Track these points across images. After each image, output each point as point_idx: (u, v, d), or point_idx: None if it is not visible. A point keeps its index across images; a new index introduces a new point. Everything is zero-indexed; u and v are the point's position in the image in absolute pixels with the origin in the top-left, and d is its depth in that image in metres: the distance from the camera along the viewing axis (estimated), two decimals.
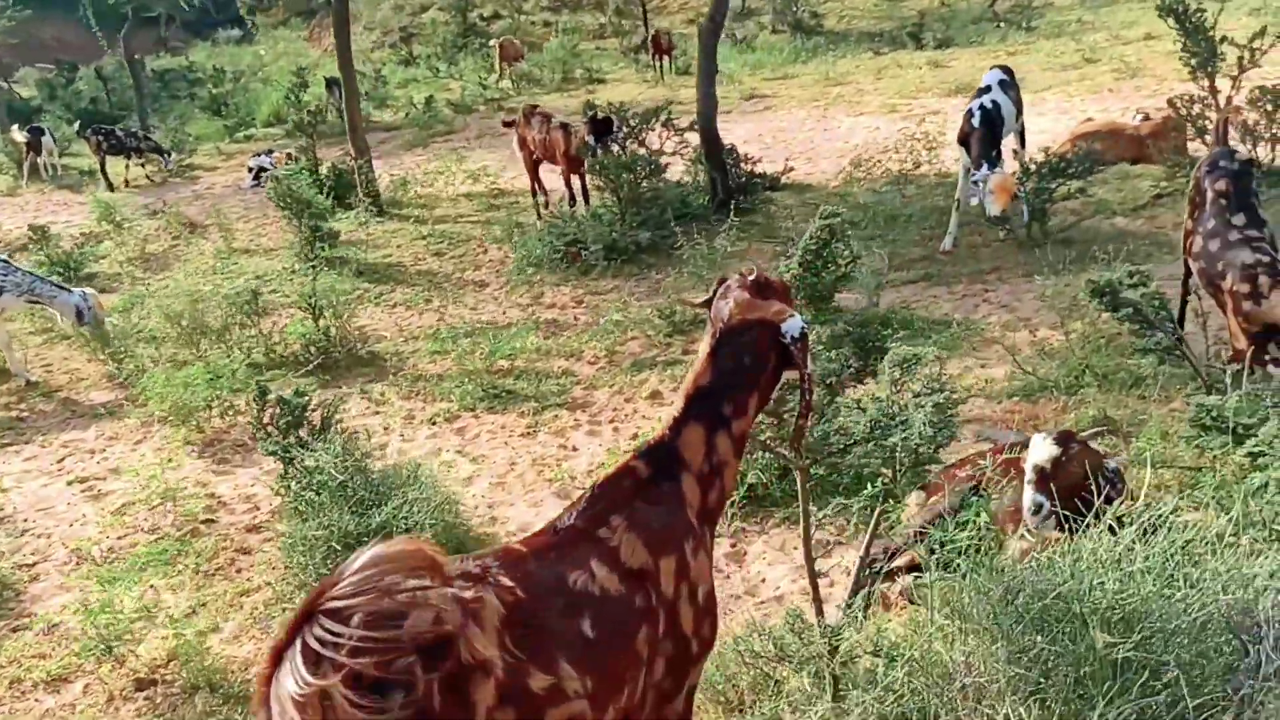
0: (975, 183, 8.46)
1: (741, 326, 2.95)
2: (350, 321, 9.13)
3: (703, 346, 3.02)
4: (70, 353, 9.83)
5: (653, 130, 10.97)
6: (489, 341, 8.45)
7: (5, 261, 9.18)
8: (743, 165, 11.62)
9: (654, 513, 2.70)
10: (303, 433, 5.51)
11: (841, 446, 3.72)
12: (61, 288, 9.36)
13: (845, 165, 12.21)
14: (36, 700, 4.74)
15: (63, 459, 7.56)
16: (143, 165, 19.41)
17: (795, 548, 4.95)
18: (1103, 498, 3.48)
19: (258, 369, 8.42)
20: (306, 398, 5.65)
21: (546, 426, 7.08)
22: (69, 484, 7.10)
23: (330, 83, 21.24)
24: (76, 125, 21.17)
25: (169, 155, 19.60)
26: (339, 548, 4.91)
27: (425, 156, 17.11)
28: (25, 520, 6.63)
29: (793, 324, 2.94)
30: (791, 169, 12.29)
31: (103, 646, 4.77)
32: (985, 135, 8.92)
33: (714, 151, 11.08)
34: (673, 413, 2.92)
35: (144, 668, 4.83)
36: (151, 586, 5.63)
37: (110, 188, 18.52)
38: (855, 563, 3.81)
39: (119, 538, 6.22)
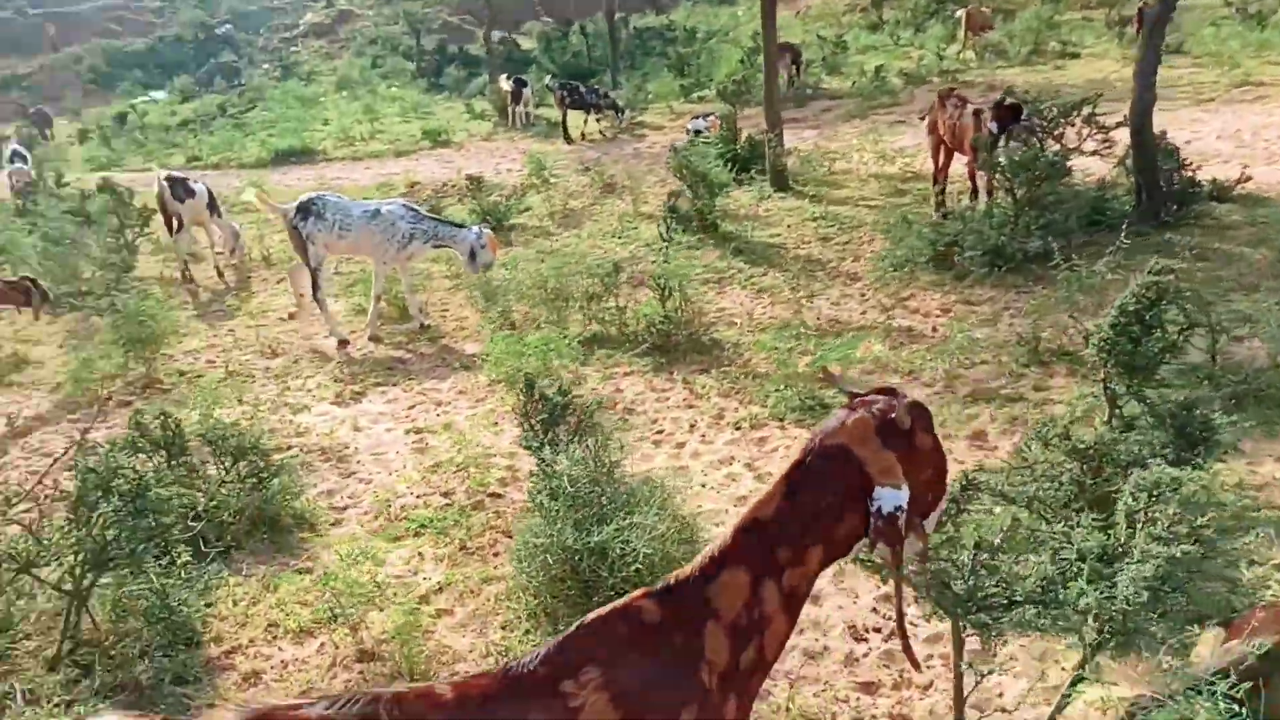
0: None
1: (836, 458, 2.39)
2: (701, 304, 9.01)
3: (783, 467, 2.46)
4: (467, 300, 10.58)
5: (1071, 125, 9.70)
6: (829, 343, 7.95)
7: (415, 210, 10.04)
8: (1183, 170, 9.99)
9: (648, 669, 2.22)
10: (560, 430, 5.45)
11: (1004, 602, 2.92)
12: (460, 226, 10.09)
13: None
14: (279, 649, 5.11)
15: (413, 406, 8.15)
16: (599, 121, 20.59)
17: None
18: None
19: (594, 343, 8.56)
20: (568, 396, 5.56)
21: None
22: (407, 432, 7.63)
23: (783, 48, 21.25)
24: (547, 79, 22.79)
25: (623, 112, 20.65)
26: (551, 561, 4.80)
27: (861, 129, 16.56)
28: (358, 462, 7.21)
29: (887, 496, 2.34)
30: (1248, 178, 10.38)
31: (334, 611, 5.01)
32: None
33: (1143, 153, 9.61)
34: (712, 547, 2.40)
35: (372, 639, 5.03)
36: (419, 554, 5.88)
37: (568, 140, 19.93)
38: None
39: (417, 496, 6.57)
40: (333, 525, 6.34)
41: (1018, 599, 2.97)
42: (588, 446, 5.14)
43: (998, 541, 3.16)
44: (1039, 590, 2.94)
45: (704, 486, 6.23)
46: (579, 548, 4.73)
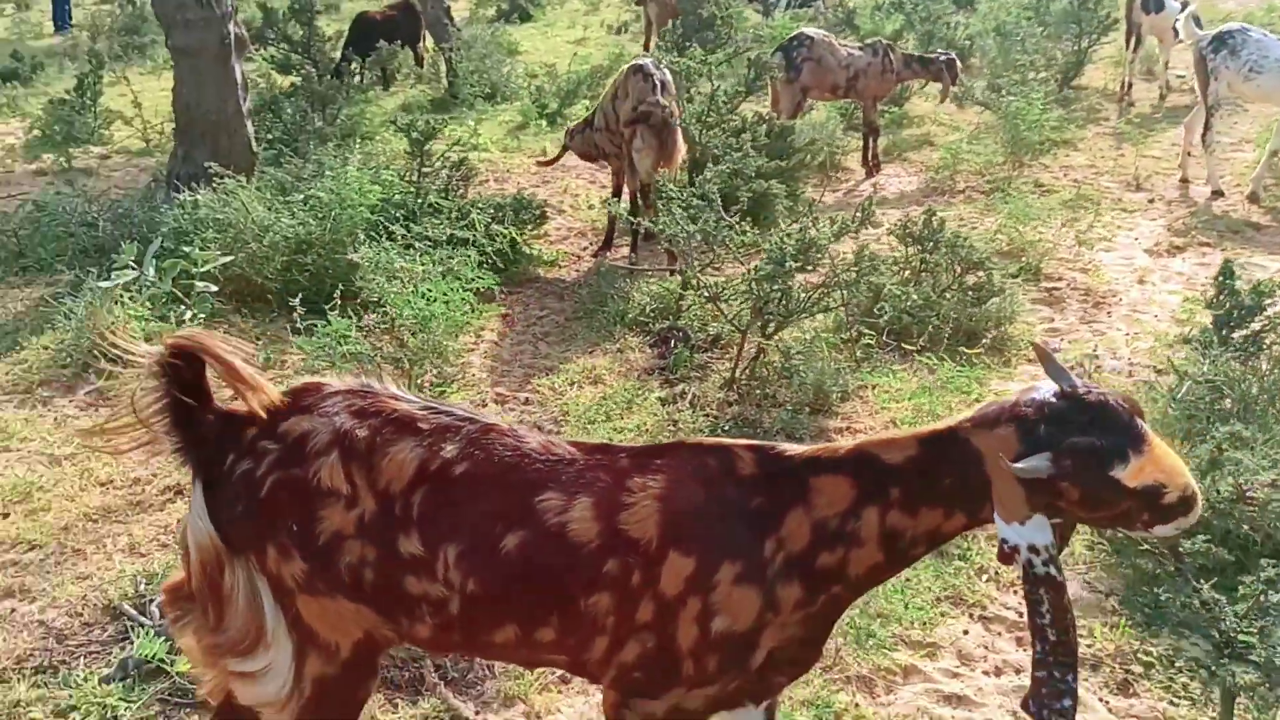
0: None
1: (967, 457, 2.10)
2: None
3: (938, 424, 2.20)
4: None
5: None
6: None
7: None
8: None
9: (711, 507, 2.17)
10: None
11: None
12: None
13: None
14: None
15: None
16: None
17: None
18: None
19: None
20: (1262, 296, 4.50)
21: None
22: (1185, 300, 6.88)
23: None
24: None
25: None
26: None
27: None
28: (1108, 313, 6.79)
29: (1000, 525, 2.04)
30: None
31: None
32: None
33: None
34: (826, 446, 2.23)
35: None
36: None
37: None
38: None
39: (1129, 364, 6.05)
40: (1028, 360, 6.19)
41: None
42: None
43: None
44: None
45: None
46: None
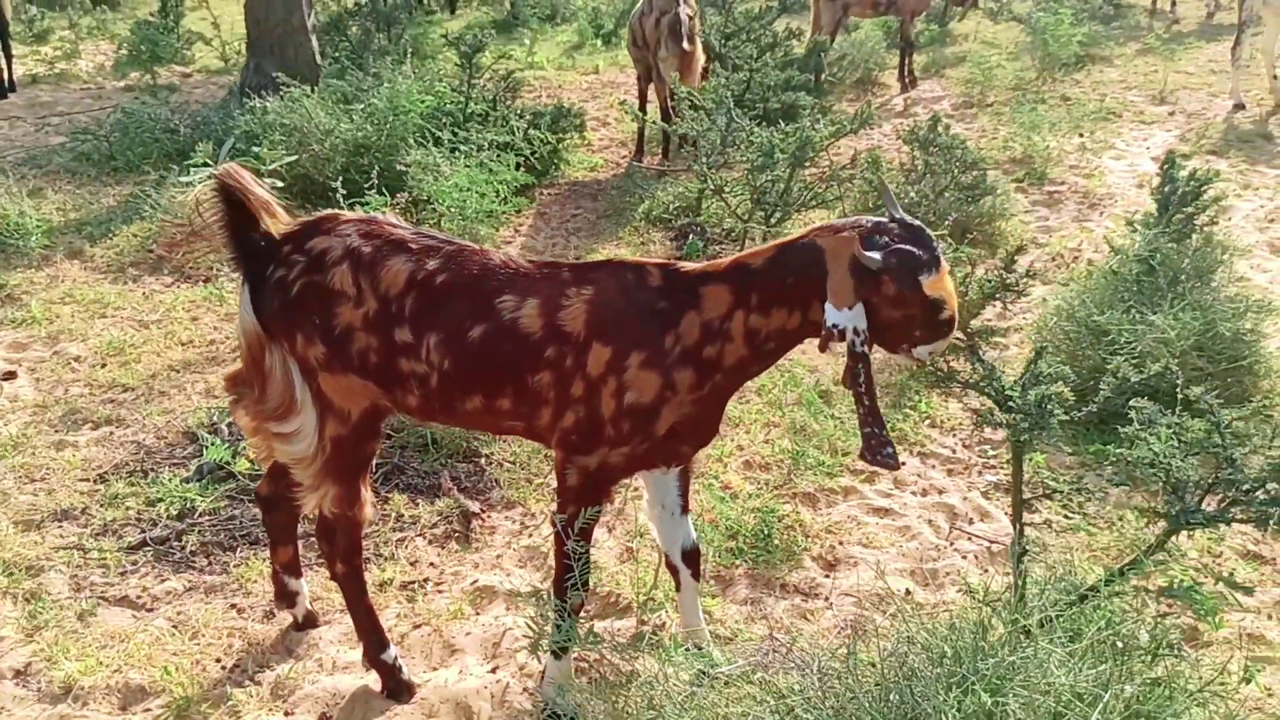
0: None
1: (811, 255, 2.66)
2: None
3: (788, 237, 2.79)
4: None
5: None
6: None
7: None
8: None
9: (627, 309, 2.78)
10: None
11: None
12: None
13: None
14: None
15: None
16: None
17: None
18: None
19: None
20: None
21: None
22: None
23: None
24: None
25: None
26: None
27: None
28: (1100, 212, 7.22)
29: (829, 311, 2.60)
30: None
31: None
32: None
33: None
34: (712, 263, 2.82)
35: None
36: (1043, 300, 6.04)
37: None
38: None
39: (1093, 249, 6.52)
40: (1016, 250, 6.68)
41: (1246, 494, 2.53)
42: None
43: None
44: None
45: None
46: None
